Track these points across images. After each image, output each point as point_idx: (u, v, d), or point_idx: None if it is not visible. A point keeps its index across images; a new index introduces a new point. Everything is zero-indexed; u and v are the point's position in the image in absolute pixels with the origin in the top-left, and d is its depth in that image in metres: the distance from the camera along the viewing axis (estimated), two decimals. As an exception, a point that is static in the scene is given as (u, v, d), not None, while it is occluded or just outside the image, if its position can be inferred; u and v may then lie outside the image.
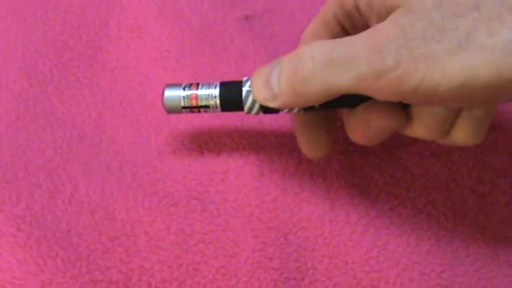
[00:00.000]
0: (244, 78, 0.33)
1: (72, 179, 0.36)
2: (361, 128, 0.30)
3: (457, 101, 0.25)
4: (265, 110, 0.32)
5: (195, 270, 0.34)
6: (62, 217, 0.35)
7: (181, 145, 0.38)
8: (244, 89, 0.32)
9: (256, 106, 0.32)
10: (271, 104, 0.29)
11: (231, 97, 0.33)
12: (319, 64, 0.26)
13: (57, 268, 0.33)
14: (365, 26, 0.30)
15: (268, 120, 0.39)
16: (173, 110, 0.34)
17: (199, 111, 0.34)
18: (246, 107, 0.32)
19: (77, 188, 0.36)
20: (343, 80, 0.25)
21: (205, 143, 0.38)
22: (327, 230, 0.36)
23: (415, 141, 0.38)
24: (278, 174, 0.37)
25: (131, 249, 0.35)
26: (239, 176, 0.37)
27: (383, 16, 0.27)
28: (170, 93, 0.34)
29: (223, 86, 0.33)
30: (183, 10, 0.42)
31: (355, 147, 0.38)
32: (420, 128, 0.29)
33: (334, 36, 0.32)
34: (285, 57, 0.28)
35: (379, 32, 0.25)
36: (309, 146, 0.34)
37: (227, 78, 0.40)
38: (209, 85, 0.33)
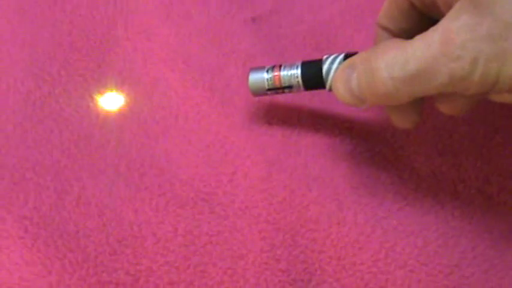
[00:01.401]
0: (325, 57, 0.33)
1: (80, 180, 0.36)
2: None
3: None
4: None
5: (202, 271, 0.34)
6: (69, 218, 0.35)
7: (188, 146, 0.38)
8: (325, 67, 0.33)
9: None
10: (361, 107, 0.30)
11: (312, 76, 0.34)
12: (399, 81, 0.27)
13: (65, 269, 0.33)
14: (433, 2, 0.31)
15: (276, 121, 0.39)
16: (258, 92, 0.36)
17: (283, 92, 0.35)
18: (328, 85, 0.33)
19: (84, 189, 0.36)
20: (426, 90, 0.26)
21: (212, 144, 0.38)
22: (335, 231, 0.36)
23: (422, 142, 0.38)
24: (286, 175, 0.37)
25: (139, 250, 0.35)
26: (246, 177, 0.37)
27: None
28: (254, 77, 0.35)
29: (305, 65, 0.34)
30: (190, 11, 0.42)
31: (362, 148, 0.38)
32: None
33: (405, 12, 0.32)
34: (359, 65, 0.29)
35: (452, 38, 0.25)
36: (400, 118, 0.34)
37: (234, 80, 0.40)
38: (291, 66, 0.35)
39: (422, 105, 0.33)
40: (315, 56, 0.41)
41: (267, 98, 0.39)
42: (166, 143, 0.38)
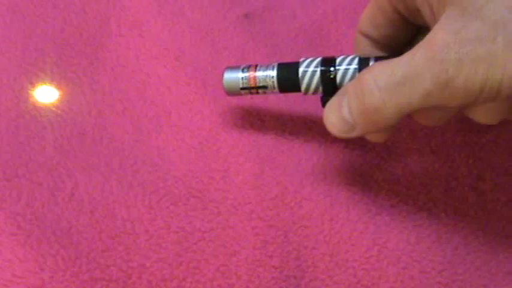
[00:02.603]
0: (301, 59, 0.33)
1: (73, 177, 0.36)
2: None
3: None
4: (324, 90, 0.32)
5: (195, 268, 0.34)
6: (62, 215, 0.35)
7: (181, 143, 0.38)
8: (301, 69, 0.33)
9: (313, 86, 0.33)
10: (351, 135, 0.30)
11: (288, 77, 0.33)
12: (385, 91, 0.26)
13: (58, 266, 0.33)
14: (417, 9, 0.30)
15: (269, 118, 0.39)
16: (232, 91, 0.35)
17: (257, 93, 0.35)
18: (303, 87, 0.33)
19: (77, 186, 0.36)
20: (412, 99, 0.26)
21: (205, 141, 0.38)
22: (327, 228, 0.36)
23: (415, 138, 0.38)
24: (278, 172, 0.37)
25: (131, 247, 0.35)
26: (239, 174, 0.37)
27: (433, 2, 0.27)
28: (229, 75, 0.35)
29: (281, 66, 0.34)
30: (183, 8, 0.42)
31: (355, 144, 0.38)
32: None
33: (389, 19, 0.32)
34: (350, 87, 0.29)
35: (435, 43, 0.25)
36: (375, 135, 0.33)
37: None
38: (267, 66, 0.34)
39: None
40: (307, 53, 0.41)
41: (260, 96, 0.39)
42: (159, 139, 0.38)
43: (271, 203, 0.36)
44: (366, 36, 0.33)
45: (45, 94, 0.39)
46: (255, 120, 0.39)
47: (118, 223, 0.35)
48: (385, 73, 0.26)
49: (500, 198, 0.37)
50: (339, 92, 0.30)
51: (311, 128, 0.39)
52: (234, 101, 0.39)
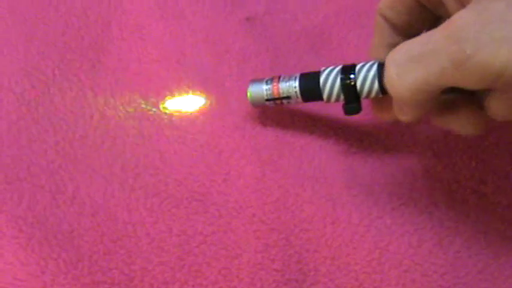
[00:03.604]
0: (322, 68, 0.34)
1: (74, 180, 0.36)
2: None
3: None
4: (346, 98, 0.33)
5: (197, 271, 0.34)
6: (63, 218, 0.35)
7: (182, 146, 0.38)
8: (322, 79, 0.34)
9: (334, 95, 0.33)
10: (405, 118, 0.30)
11: (310, 87, 0.34)
12: (401, 64, 0.26)
13: (59, 269, 0.33)
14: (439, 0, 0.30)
15: (270, 121, 0.39)
16: (257, 103, 0.37)
17: (282, 104, 0.36)
18: (325, 96, 0.34)
19: (78, 189, 0.36)
20: (428, 76, 0.25)
21: (206, 144, 0.38)
22: (329, 231, 0.36)
23: (417, 141, 0.38)
24: (280, 175, 0.37)
25: (133, 250, 0.35)
26: (241, 177, 0.37)
27: None
28: (254, 88, 0.36)
29: (303, 77, 0.35)
30: (184, 11, 0.42)
31: (356, 148, 0.38)
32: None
33: (409, 7, 0.32)
34: None
35: (455, 22, 0.24)
36: (461, 124, 0.32)
37: (228, 80, 0.40)
38: (290, 77, 0.35)
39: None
40: (309, 56, 0.41)
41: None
42: (161, 143, 0.38)
43: (273, 206, 0.36)
44: (386, 19, 0.33)
45: (47, 97, 0.39)
46: (256, 123, 0.39)
47: (120, 226, 0.35)
48: (403, 49, 0.26)
49: (502, 201, 0.37)
50: None
51: (312, 131, 0.39)
52: (235, 104, 0.39)
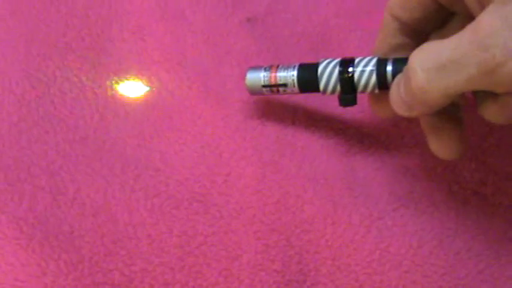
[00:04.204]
0: (321, 59, 0.34)
1: (75, 181, 0.36)
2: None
3: None
4: (343, 89, 0.33)
5: (197, 272, 0.34)
6: (64, 219, 0.35)
7: (183, 147, 0.38)
8: (320, 69, 0.34)
9: (331, 86, 0.34)
10: (411, 115, 0.30)
11: (308, 77, 0.35)
12: (430, 72, 0.26)
13: (60, 270, 0.33)
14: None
15: (271, 122, 0.39)
16: (254, 89, 0.37)
17: (278, 92, 0.36)
18: (322, 87, 0.34)
19: (79, 190, 0.36)
20: (457, 82, 0.25)
21: (207, 145, 0.38)
22: (329, 232, 0.36)
23: (417, 142, 0.38)
24: (280, 176, 0.37)
25: (134, 251, 0.35)
26: (241, 178, 0.37)
27: None
28: (251, 74, 0.37)
29: (301, 66, 0.35)
30: (185, 12, 0.42)
31: (357, 149, 0.38)
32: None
33: (423, 3, 0.32)
34: (405, 67, 0.29)
35: (482, 28, 0.24)
36: (441, 148, 0.33)
37: (229, 81, 0.40)
38: (288, 66, 0.36)
39: (464, 132, 0.32)
40: (309, 57, 0.41)
41: (262, 99, 0.39)
42: (161, 144, 0.38)
43: (273, 207, 0.36)
44: (395, 18, 0.33)
45: (48, 98, 0.39)
46: (257, 124, 0.39)
47: (120, 227, 0.35)
48: (432, 54, 0.26)
49: (503, 202, 0.37)
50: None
51: (313, 132, 0.39)
52: (237, 105, 0.39)
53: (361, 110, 0.39)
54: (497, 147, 0.39)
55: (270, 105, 0.39)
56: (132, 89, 0.40)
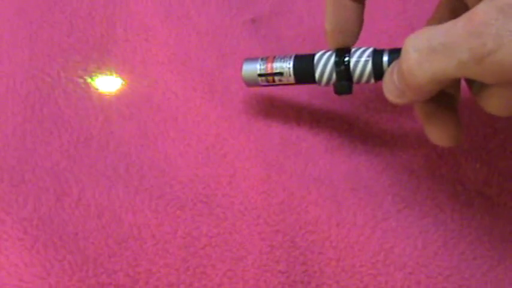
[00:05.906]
0: (318, 51, 0.34)
1: (79, 182, 0.36)
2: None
3: None
4: (338, 78, 0.33)
5: (202, 273, 0.34)
6: (68, 220, 0.35)
7: (188, 148, 0.38)
8: (316, 58, 0.34)
9: (326, 75, 0.34)
10: (402, 101, 0.30)
11: (303, 66, 0.35)
12: (421, 54, 0.26)
13: (64, 271, 0.33)
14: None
15: (275, 123, 0.39)
16: (250, 79, 0.37)
17: (273, 81, 0.36)
18: (317, 76, 0.34)
19: (83, 191, 0.36)
20: (447, 67, 0.25)
21: (211, 146, 0.38)
22: (334, 233, 0.36)
23: (421, 143, 0.38)
24: (285, 177, 0.37)
25: (138, 252, 0.34)
26: (246, 179, 0.37)
27: None
28: (248, 64, 0.37)
29: (298, 56, 0.35)
30: (189, 13, 0.42)
31: (361, 150, 0.38)
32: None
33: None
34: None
35: (477, 15, 0.24)
36: (437, 134, 0.32)
37: (233, 82, 0.40)
38: (285, 56, 0.36)
39: (459, 117, 0.32)
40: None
41: (266, 100, 0.39)
42: (166, 144, 0.38)
43: (278, 208, 0.36)
44: None
45: (52, 99, 0.39)
46: (262, 125, 0.39)
47: (125, 228, 0.35)
48: (424, 37, 0.26)
49: (507, 203, 0.37)
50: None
51: (317, 133, 0.39)
52: (241, 106, 0.39)
53: (366, 111, 0.39)
54: (501, 148, 0.38)
55: (275, 106, 0.39)
56: (136, 89, 0.40)
